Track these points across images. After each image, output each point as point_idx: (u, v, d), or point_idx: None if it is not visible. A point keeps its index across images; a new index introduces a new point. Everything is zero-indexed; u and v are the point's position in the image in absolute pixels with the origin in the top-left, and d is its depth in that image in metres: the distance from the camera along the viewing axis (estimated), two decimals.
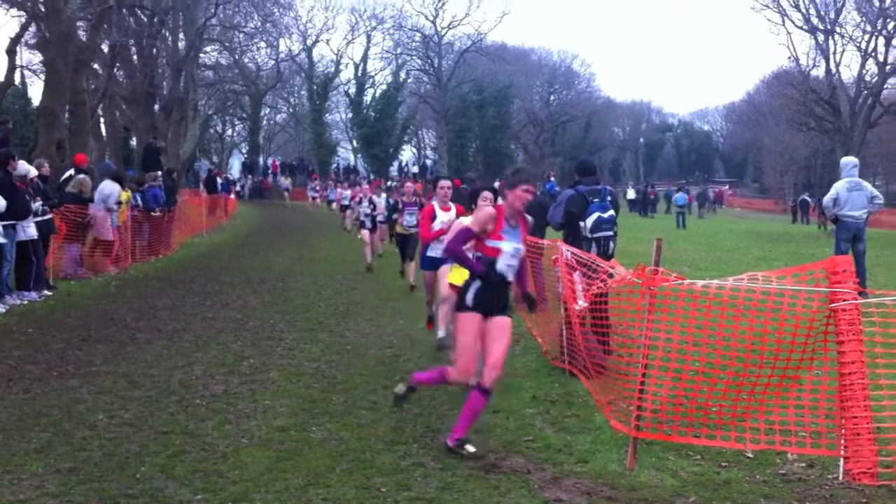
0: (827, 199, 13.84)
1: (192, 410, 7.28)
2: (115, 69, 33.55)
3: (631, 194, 60.49)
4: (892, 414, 5.51)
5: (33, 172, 14.02)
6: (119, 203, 17.58)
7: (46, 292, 13.79)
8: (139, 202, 19.74)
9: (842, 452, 5.57)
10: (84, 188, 16.29)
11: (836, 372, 5.64)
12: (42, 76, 27.88)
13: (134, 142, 35.04)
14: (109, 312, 12.51)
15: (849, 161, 14.33)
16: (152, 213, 20.25)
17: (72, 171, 16.98)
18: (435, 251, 10.23)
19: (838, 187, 13.68)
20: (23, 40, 32.09)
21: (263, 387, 8.18)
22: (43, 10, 23.58)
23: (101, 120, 36.02)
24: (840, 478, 5.59)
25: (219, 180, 45.24)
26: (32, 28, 29.47)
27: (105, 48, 31.32)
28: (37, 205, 13.73)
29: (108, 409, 7.25)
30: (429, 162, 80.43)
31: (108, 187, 17.21)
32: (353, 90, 75.35)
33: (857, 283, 5.70)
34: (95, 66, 30.82)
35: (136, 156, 31.24)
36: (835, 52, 39.55)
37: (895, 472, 5.48)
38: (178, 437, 6.49)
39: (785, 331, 5.82)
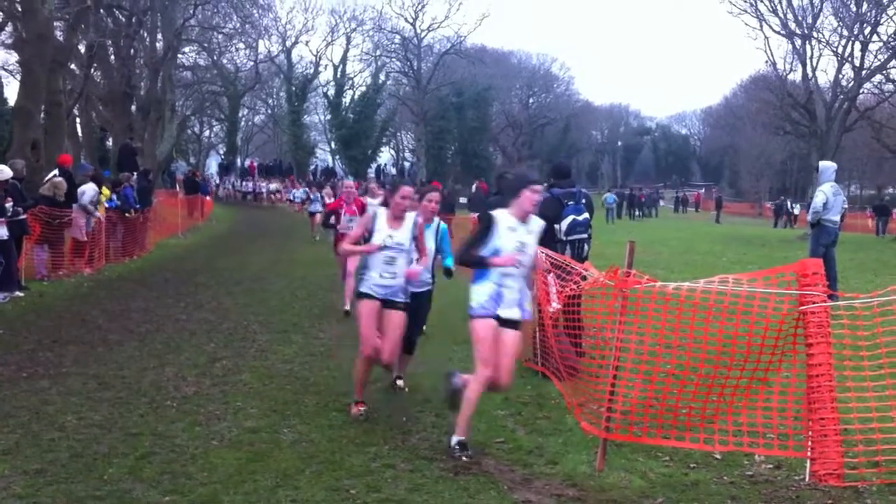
0: (818, 203, 13.68)
1: (163, 412, 7.25)
2: (93, 69, 33.36)
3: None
4: (858, 416, 5.55)
5: (7, 173, 13.88)
6: (95, 204, 17.45)
7: (18, 293, 13.67)
8: (117, 202, 19.60)
9: (809, 454, 5.61)
10: (58, 191, 16.15)
11: (805, 374, 5.68)
12: (18, 76, 27.68)
13: (110, 142, 34.80)
14: (81, 314, 12.42)
15: (830, 165, 14.28)
16: (126, 214, 20.12)
17: (55, 172, 16.84)
18: None
19: (826, 191, 13.59)
20: None
21: (235, 388, 8.15)
22: (19, 9, 23.39)
23: (77, 120, 35.81)
24: (807, 479, 5.63)
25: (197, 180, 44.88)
26: (9, 28, 29.27)
27: (82, 48, 31.13)
28: (9, 205, 13.61)
29: (78, 410, 7.20)
30: (407, 164, 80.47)
31: (85, 188, 17.12)
32: (331, 92, 75.22)
33: (828, 286, 5.75)
34: (72, 66, 30.62)
35: (112, 156, 31.05)
36: (811, 57, 39.82)
37: (861, 473, 5.52)
38: (148, 438, 6.46)
39: (755, 333, 5.85)
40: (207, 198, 42.90)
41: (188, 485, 5.53)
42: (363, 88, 75.81)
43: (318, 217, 26.91)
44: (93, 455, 6.05)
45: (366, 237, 7.32)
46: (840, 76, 39.49)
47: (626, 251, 6.26)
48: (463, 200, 42.58)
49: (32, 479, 5.56)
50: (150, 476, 5.66)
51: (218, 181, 64.21)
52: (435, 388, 8.28)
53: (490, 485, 5.63)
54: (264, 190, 60.10)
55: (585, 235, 9.45)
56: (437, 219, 8.51)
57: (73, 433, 6.55)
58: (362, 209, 12.21)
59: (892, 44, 36.53)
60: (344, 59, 74.64)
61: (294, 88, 72.49)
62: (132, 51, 36.72)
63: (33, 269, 15.57)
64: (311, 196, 34.17)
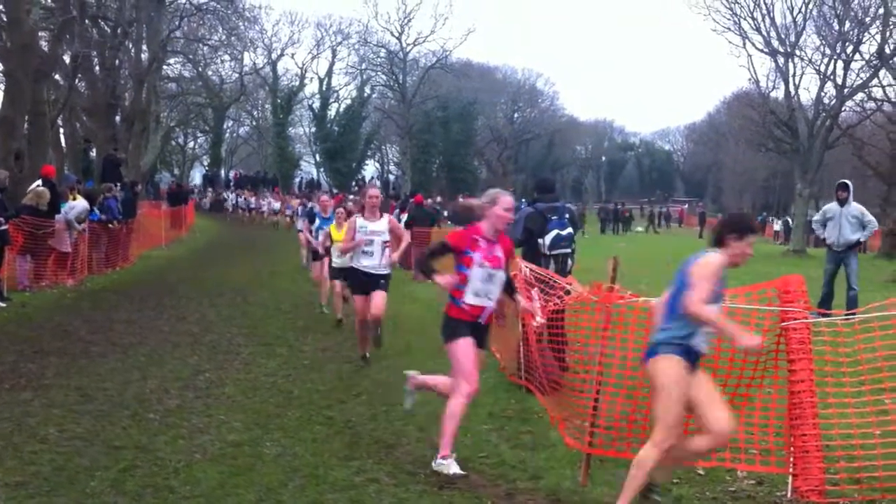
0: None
1: (145, 425, 7.21)
2: (77, 80, 33.23)
3: None
4: (840, 432, 5.60)
5: None
6: (81, 221, 17.36)
7: (0, 304, 13.60)
8: (100, 215, 19.52)
9: (790, 470, 5.64)
10: (41, 200, 16.09)
11: (786, 390, 5.72)
12: (2, 86, 27.55)
13: (94, 153, 34.63)
14: (64, 325, 12.35)
15: None
16: (110, 225, 20.04)
17: (39, 182, 16.77)
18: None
19: None
20: None
21: (218, 401, 8.12)
22: (4, 19, 23.31)
23: (62, 131, 35.66)
24: (788, 495, 5.65)
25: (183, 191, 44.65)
26: None
27: (67, 59, 31.03)
28: None
29: (60, 422, 7.16)
30: (391, 177, 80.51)
31: (76, 202, 17.11)
32: (317, 104, 75.28)
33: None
34: (56, 76, 30.51)
35: (96, 167, 30.92)
36: (794, 75, 40.01)
37: (843, 489, 5.55)
38: (130, 451, 6.43)
39: (737, 349, 5.89)
40: (190, 206, 42.66)
41: (171, 499, 5.50)
42: (348, 101, 75.96)
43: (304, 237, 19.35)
44: (75, 468, 6.01)
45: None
46: (822, 94, 39.72)
47: (609, 266, 6.29)
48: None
49: (14, 491, 5.52)
50: (132, 489, 5.63)
51: (201, 192, 63.63)
52: (422, 400, 8.30)
53: (474, 499, 5.63)
54: (265, 208, 53.00)
55: (569, 250, 9.51)
56: None
57: (56, 445, 6.52)
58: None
59: (874, 62, 36.77)
60: (329, 72, 74.82)
61: (279, 101, 72.49)
62: (117, 62, 36.59)
63: (15, 279, 15.48)
64: (299, 211, 24.52)
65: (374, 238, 9.83)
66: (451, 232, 6.54)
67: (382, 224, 9.99)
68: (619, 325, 6.37)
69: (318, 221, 15.29)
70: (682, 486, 5.92)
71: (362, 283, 9.95)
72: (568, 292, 7.81)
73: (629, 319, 6.41)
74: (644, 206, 74.44)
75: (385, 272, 10.00)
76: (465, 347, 6.27)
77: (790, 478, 5.67)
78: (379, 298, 9.83)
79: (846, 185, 14.02)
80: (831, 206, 13.76)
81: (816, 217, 14.29)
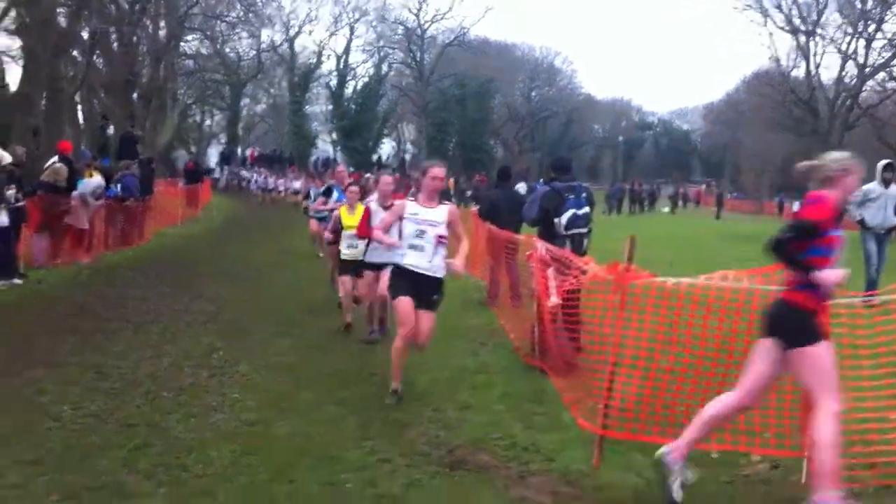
0: None
1: (159, 403, 7.22)
2: (95, 56, 33.27)
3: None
4: (855, 416, 5.53)
5: (7, 159, 13.84)
6: (97, 197, 17.39)
7: (17, 280, 13.64)
8: (117, 191, 19.54)
9: (806, 454, 5.59)
10: (59, 177, 16.11)
11: None
12: (20, 62, 27.61)
13: (111, 130, 34.73)
14: (79, 302, 12.38)
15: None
16: (126, 203, 20.06)
17: (55, 159, 16.77)
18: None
19: None
20: (1, 25, 31.80)
21: (232, 380, 8.12)
22: None
23: (79, 108, 35.76)
24: (803, 479, 5.60)
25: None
26: (12, 13, 29.17)
27: (85, 35, 31.06)
28: (10, 192, 13.58)
29: (74, 400, 7.17)
30: (408, 156, 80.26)
31: (92, 179, 17.13)
32: (334, 82, 75.05)
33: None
34: (74, 52, 30.56)
35: (113, 144, 30.99)
36: (815, 54, 39.70)
37: (858, 474, 5.50)
38: (143, 429, 6.44)
39: (753, 330, 5.83)
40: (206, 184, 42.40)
41: (183, 477, 5.52)
42: (366, 79, 75.69)
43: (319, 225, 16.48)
44: (87, 446, 6.03)
45: None
46: (843, 73, 39.39)
47: (626, 246, 6.22)
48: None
49: (27, 468, 5.54)
50: (145, 468, 5.64)
51: (218, 171, 63.18)
52: (435, 379, 8.28)
53: (486, 481, 5.62)
54: (283, 188, 47.79)
55: (585, 230, 9.43)
56: None
57: (69, 423, 6.54)
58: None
59: None
60: (347, 50, 74.54)
61: (296, 78, 72.34)
62: (135, 38, 36.63)
63: (31, 256, 15.53)
64: (313, 190, 20.59)
65: (426, 228, 7.63)
66: (810, 206, 5.09)
67: (440, 213, 7.71)
68: (634, 306, 6.31)
69: (335, 194, 13.55)
70: (696, 469, 5.87)
71: (411, 284, 7.65)
72: (584, 272, 7.76)
73: (645, 300, 6.35)
74: (661, 187, 73.93)
75: (440, 275, 7.70)
76: (830, 353, 5.02)
77: (805, 462, 5.62)
78: (427, 324, 7.72)
79: (893, 165, 13.59)
80: (874, 187, 13.29)
81: (852, 198, 13.74)
